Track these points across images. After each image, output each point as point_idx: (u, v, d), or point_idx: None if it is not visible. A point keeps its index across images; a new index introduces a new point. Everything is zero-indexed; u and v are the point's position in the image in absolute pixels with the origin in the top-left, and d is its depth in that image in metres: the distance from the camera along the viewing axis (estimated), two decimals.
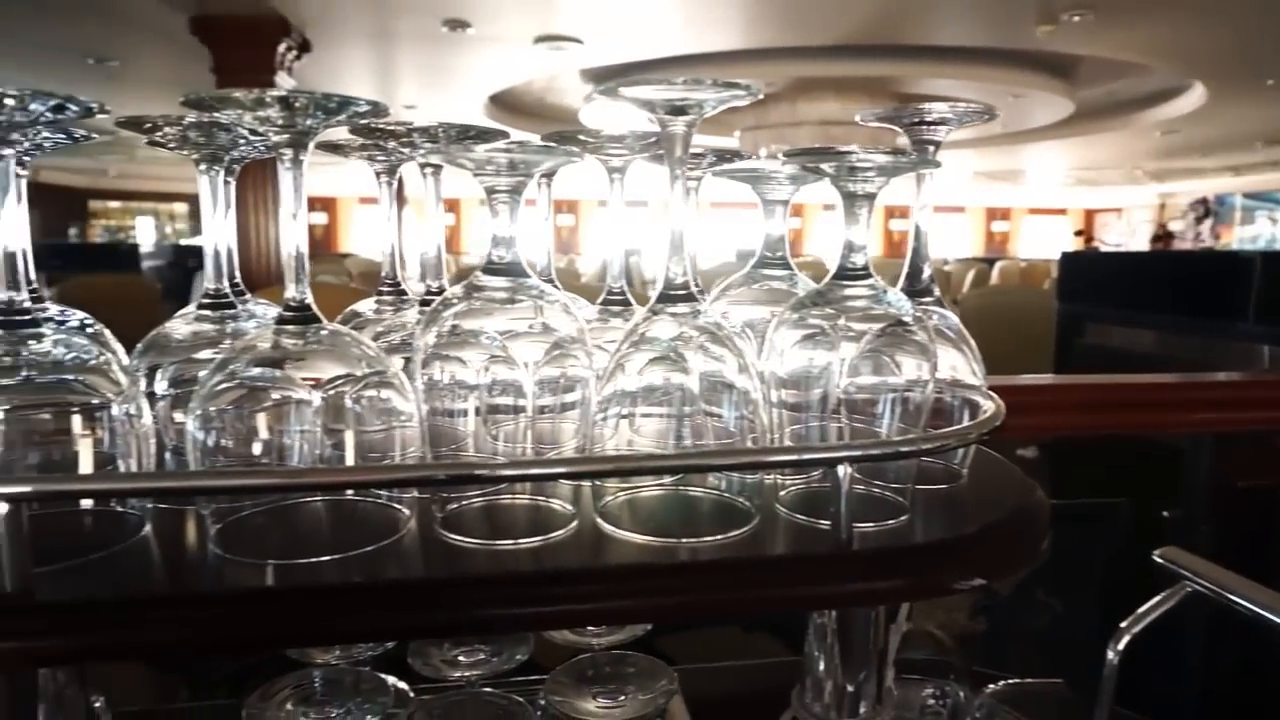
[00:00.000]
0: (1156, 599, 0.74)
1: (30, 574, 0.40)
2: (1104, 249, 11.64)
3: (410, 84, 6.88)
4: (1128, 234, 15.55)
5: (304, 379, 0.48)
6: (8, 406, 0.45)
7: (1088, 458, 1.61)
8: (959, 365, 0.60)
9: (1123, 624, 0.75)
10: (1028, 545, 0.54)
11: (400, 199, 0.68)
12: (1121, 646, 0.75)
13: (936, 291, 0.61)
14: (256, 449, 0.48)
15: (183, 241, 12.13)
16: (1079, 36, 5.18)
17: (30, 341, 0.46)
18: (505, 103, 7.43)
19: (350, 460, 0.49)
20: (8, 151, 0.44)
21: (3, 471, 0.45)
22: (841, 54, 5.79)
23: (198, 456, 0.48)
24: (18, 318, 0.46)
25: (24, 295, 0.47)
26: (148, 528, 0.49)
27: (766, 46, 5.70)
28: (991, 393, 0.58)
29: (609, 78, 6.33)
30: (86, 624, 0.41)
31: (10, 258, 0.46)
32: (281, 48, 4.82)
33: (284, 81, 4.84)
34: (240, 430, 0.47)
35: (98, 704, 0.64)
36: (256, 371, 0.48)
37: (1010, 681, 0.86)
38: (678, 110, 0.48)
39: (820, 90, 6.59)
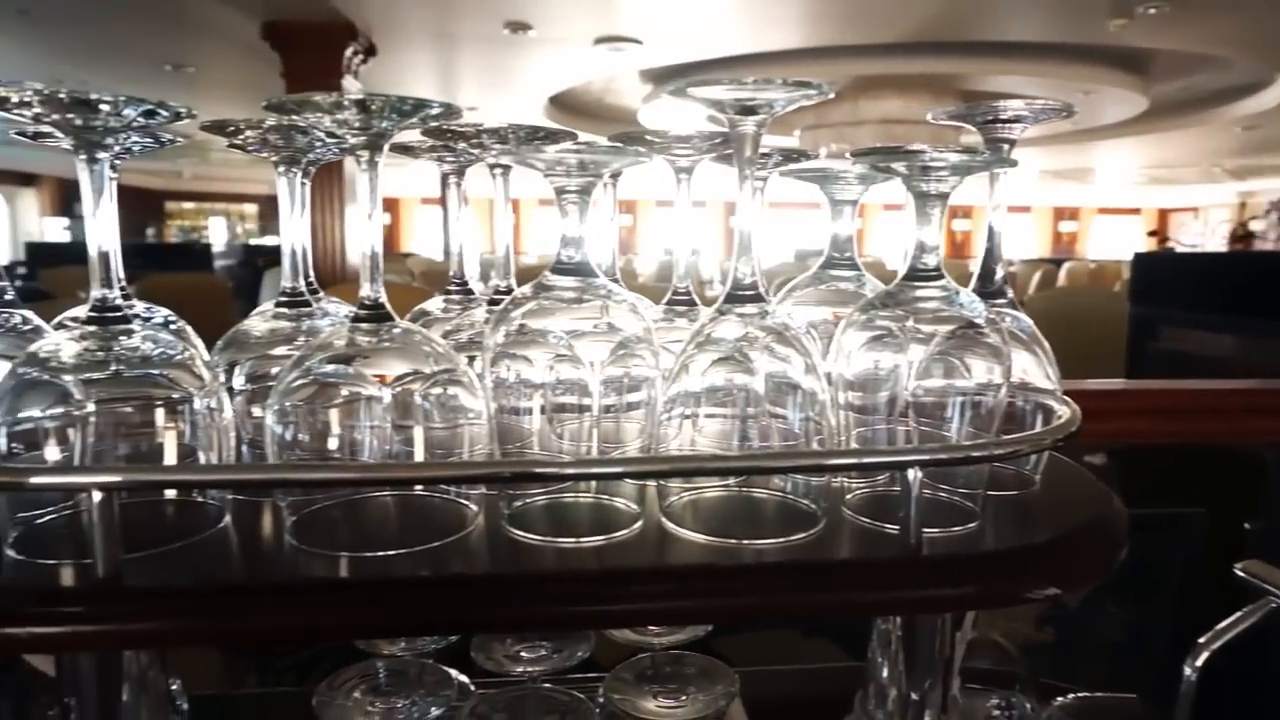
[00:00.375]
0: (1238, 614, 0.71)
1: (119, 560, 0.42)
2: (1180, 249, 11.22)
3: (471, 86, 6.98)
4: (1205, 234, 14.97)
5: (377, 375, 0.49)
6: (99, 399, 0.47)
7: (1158, 465, 1.56)
8: (1032, 369, 0.59)
9: (1201, 640, 0.72)
10: (1103, 555, 0.52)
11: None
12: (1200, 663, 0.72)
13: (1010, 293, 0.60)
14: (332, 444, 0.49)
15: (252, 241, 12.51)
16: (1154, 29, 5.00)
17: (121, 337, 0.48)
18: (565, 103, 7.49)
19: (420, 456, 0.50)
20: (103, 155, 0.46)
21: (94, 461, 0.48)
22: (904, 51, 5.69)
23: (275, 450, 0.49)
24: (110, 314, 0.48)
25: (116, 293, 0.49)
26: (227, 518, 0.51)
27: (827, 45, 5.64)
28: (1066, 397, 0.57)
29: (668, 78, 6.34)
30: (173, 609, 0.42)
31: (104, 257, 0.48)
32: (348, 52, 4.93)
33: (350, 85, 4.95)
34: (317, 425, 0.49)
35: (174, 686, 0.66)
36: (333, 368, 0.49)
37: (1080, 695, 0.83)
38: (748, 110, 0.48)
39: (882, 88, 6.48)
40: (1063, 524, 0.52)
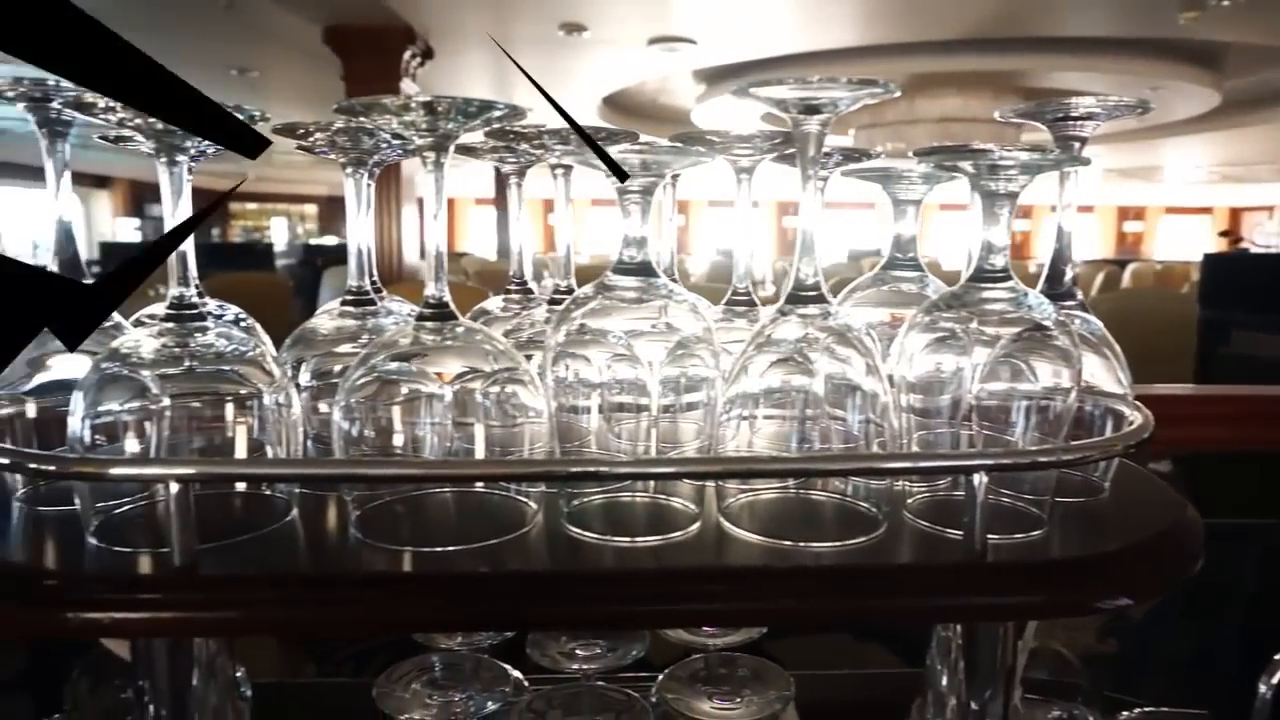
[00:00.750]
0: None
1: (195, 550, 0.43)
2: (1254, 250, 10.78)
3: (526, 87, 7.02)
4: None
5: (440, 373, 0.50)
6: (174, 393, 0.49)
7: (1232, 474, 1.50)
8: (1101, 372, 0.57)
9: (1278, 656, 0.70)
10: (1177, 565, 0.51)
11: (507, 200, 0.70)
12: (1276, 680, 0.69)
13: (1079, 295, 0.58)
14: (397, 440, 0.50)
15: (312, 241, 12.79)
16: (1227, 22, 4.82)
17: (197, 334, 0.50)
18: (618, 104, 7.51)
19: (481, 454, 0.51)
20: (181, 158, 0.48)
21: (169, 453, 0.49)
22: (963, 48, 5.59)
23: (341, 445, 0.50)
24: (187, 312, 0.50)
25: (192, 291, 0.50)
26: (294, 511, 0.52)
27: (883, 43, 5.56)
28: (1138, 403, 0.55)
29: (722, 78, 6.32)
30: (246, 599, 0.43)
31: (182, 256, 0.49)
32: (407, 55, 5.03)
33: (408, 88, 5.04)
34: (382, 422, 0.50)
35: (239, 674, 0.68)
36: (397, 366, 0.50)
37: (1146, 709, 0.80)
38: (812, 109, 0.47)
39: (940, 86, 6.38)
40: (1134, 532, 0.50)
